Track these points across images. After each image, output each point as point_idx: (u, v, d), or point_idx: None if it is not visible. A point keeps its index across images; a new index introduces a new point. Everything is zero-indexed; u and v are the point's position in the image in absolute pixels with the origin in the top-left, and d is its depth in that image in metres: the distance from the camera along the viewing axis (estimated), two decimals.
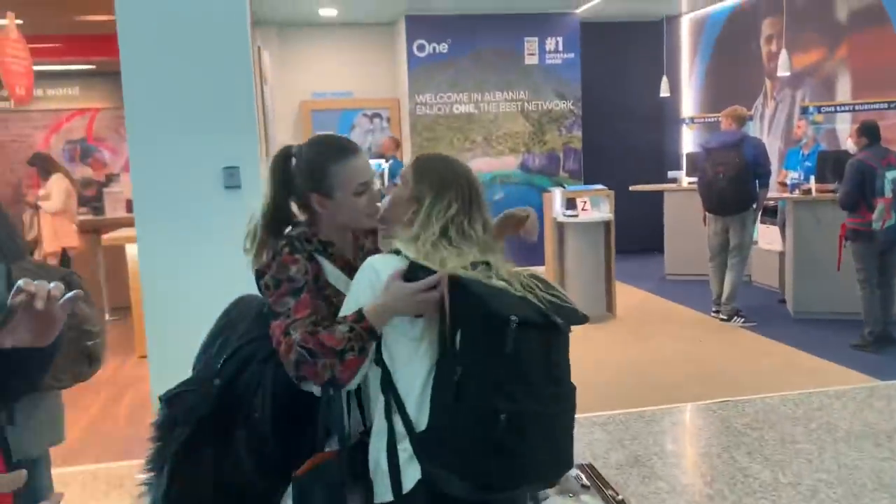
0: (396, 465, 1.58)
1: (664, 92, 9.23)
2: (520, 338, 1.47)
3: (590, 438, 3.93)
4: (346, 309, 1.64)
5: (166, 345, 3.61)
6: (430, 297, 1.58)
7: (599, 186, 7.02)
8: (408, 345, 1.61)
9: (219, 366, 1.74)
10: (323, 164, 1.72)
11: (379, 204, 1.78)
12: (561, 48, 9.22)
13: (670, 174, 9.11)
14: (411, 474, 1.57)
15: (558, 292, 1.65)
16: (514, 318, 1.46)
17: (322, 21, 9.03)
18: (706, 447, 3.87)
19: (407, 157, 9.13)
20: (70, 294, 1.21)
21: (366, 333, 1.58)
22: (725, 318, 6.41)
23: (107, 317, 7.36)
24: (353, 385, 1.63)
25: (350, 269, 1.74)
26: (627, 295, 7.51)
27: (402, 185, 1.76)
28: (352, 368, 1.58)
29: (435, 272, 1.58)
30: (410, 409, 1.58)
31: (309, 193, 1.73)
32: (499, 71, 9.12)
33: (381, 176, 8.20)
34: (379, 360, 1.62)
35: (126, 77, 3.45)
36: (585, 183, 8.89)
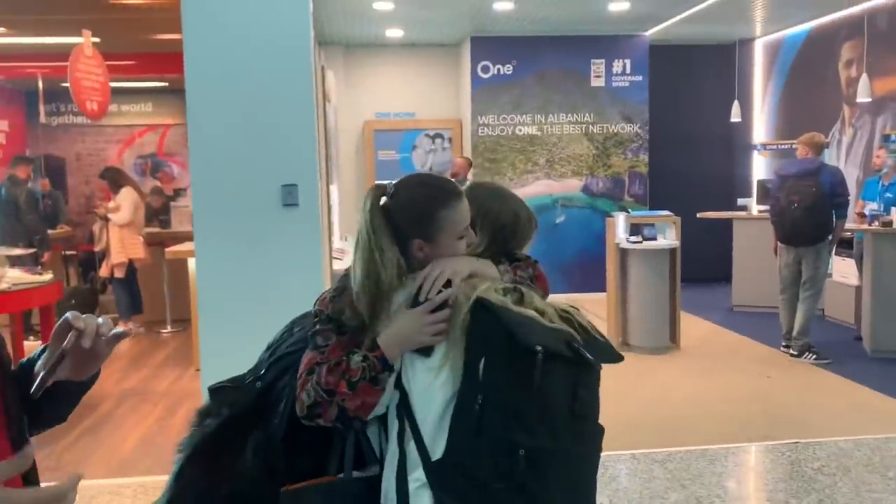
0: (406, 493, 1.50)
1: (735, 117, 8.97)
2: (545, 370, 1.38)
3: (648, 476, 3.76)
4: (381, 325, 1.57)
5: (219, 359, 3.60)
6: (438, 317, 1.50)
7: (665, 213, 6.83)
8: (426, 373, 1.52)
9: (263, 370, 1.71)
10: (431, 210, 1.59)
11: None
12: (628, 70, 9.06)
13: (740, 202, 8.81)
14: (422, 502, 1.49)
15: (594, 328, 1.55)
16: (539, 348, 1.37)
17: (387, 42, 9.11)
18: (773, 491, 3.66)
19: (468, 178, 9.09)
20: (118, 331, 1.20)
21: (378, 363, 1.50)
22: (796, 353, 6.11)
23: (168, 328, 7.50)
24: (363, 417, 1.53)
25: None
26: (692, 326, 7.26)
27: None
28: (361, 397, 1.50)
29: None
30: (426, 437, 1.49)
31: (409, 238, 1.59)
32: (564, 93, 9.02)
33: None
34: (398, 384, 1.54)
35: (190, 94, 3.49)
36: (651, 208, 8.68)
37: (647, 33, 8.98)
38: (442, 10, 7.58)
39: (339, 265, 4.42)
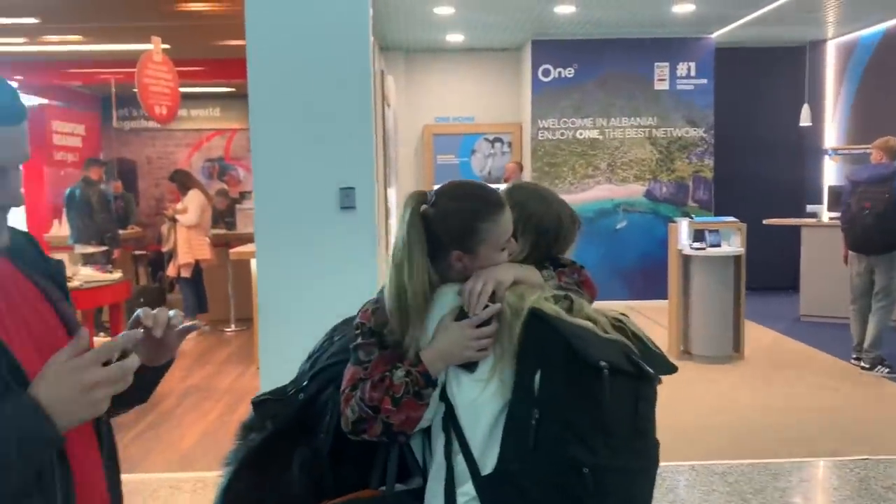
0: (453, 496, 1.46)
1: (805, 121, 8.68)
2: (610, 386, 1.34)
3: (707, 489, 3.66)
4: (424, 339, 1.52)
5: (277, 358, 3.66)
6: (484, 332, 1.45)
7: (730, 219, 6.65)
8: (473, 386, 1.48)
9: (305, 382, 1.70)
10: (472, 222, 1.53)
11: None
12: (693, 73, 8.87)
13: (809, 208, 8.53)
14: None
15: (646, 337, 1.50)
16: (604, 364, 1.33)
17: (448, 47, 9.14)
18: None
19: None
20: (190, 324, 1.30)
21: (421, 378, 1.47)
22: (867, 366, 5.87)
23: (232, 327, 7.68)
24: (408, 432, 1.50)
25: None
26: (757, 335, 7.05)
27: None
28: (406, 412, 1.47)
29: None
30: (475, 450, 1.45)
31: (448, 249, 1.54)
32: (626, 96, 8.89)
33: None
34: (442, 396, 1.49)
35: (253, 99, 3.57)
36: (716, 214, 8.47)
37: (713, 35, 8.78)
38: (503, 14, 7.57)
39: None
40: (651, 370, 1.40)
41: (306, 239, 3.64)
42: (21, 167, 1.12)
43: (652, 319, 7.61)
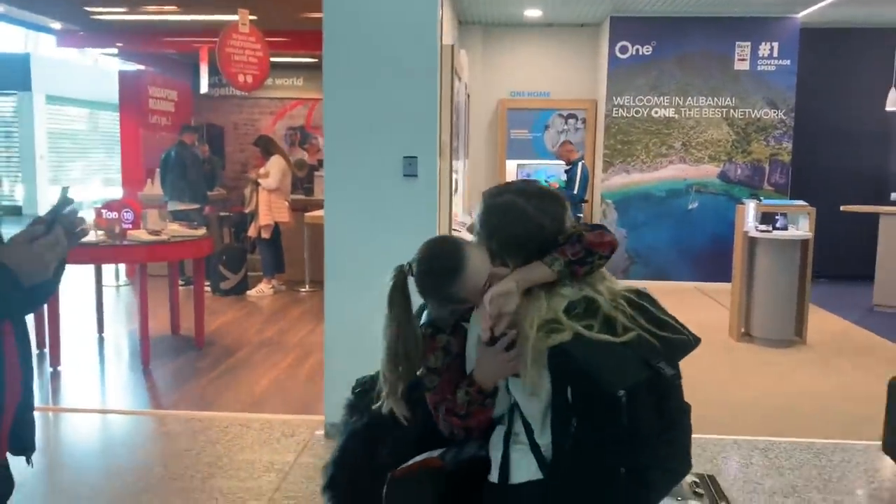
0: (508, 456, 1.67)
1: (891, 106, 8.38)
2: (630, 406, 1.46)
3: (746, 461, 3.76)
4: (469, 363, 1.74)
5: (341, 317, 3.95)
6: (511, 355, 1.63)
7: (799, 202, 6.57)
8: (523, 389, 1.66)
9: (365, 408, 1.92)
10: (444, 290, 1.71)
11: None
12: (776, 54, 8.68)
13: (893, 196, 8.28)
14: (521, 470, 1.65)
15: (667, 316, 1.63)
16: (622, 393, 1.45)
17: (526, 21, 9.21)
18: (877, 490, 3.56)
19: (598, 161, 9.08)
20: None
21: (478, 395, 1.69)
22: None
23: (307, 287, 8.08)
24: (486, 427, 1.74)
25: None
26: (824, 322, 6.96)
27: (477, 238, 1.76)
28: (476, 419, 1.71)
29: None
30: (533, 423, 1.66)
31: (446, 305, 1.77)
32: (704, 75, 8.78)
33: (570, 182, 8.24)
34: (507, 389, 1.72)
35: (327, 69, 3.81)
36: (791, 198, 8.33)
37: (800, 15, 8.55)
38: None
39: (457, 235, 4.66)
40: (668, 371, 1.54)
41: (371, 204, 3.87)
42: None
43: (714, 300, 7.59)
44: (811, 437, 4.11)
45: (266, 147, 8.11)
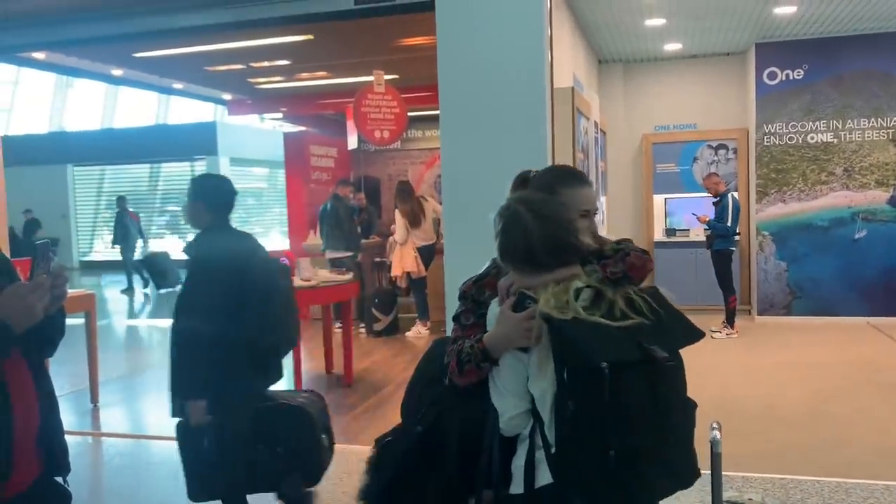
0: (532, 462, 1.71)
1: None
2: (616, 380, 1.49)
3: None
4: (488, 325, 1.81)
5: None
6: (531, 325, 1.66)
7: None
8: (521, 371, 1.72)
9: (420, 414, 1.99)
10: (553, 186, 1.91)
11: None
12: None
13: None
14: (544, 473, 1.69)
15: (673, 309, 1.64)
16: (604, 364, 1.48)
17: (666, 55, 9.10)
18: None
19: (752, 191, 8.69)
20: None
21: (480, 353, 1.76)
22: None
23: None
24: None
25: None
26: None
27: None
28: (469, 377, 1.79)
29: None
30: (546, 425, 1.68)
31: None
32: (866, 95, 8.22)
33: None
34: (534, 411, 1.74)
35: (443, 119, 4.06)
36: None
37: None
38: (718, 19, 7.43)
39: None
40: (661, 354, 1.54)
41: (490, 248, 4.02)
42: None
43: (890, 336, 7.02)
44: None
45: (399, 194, 8.42)
